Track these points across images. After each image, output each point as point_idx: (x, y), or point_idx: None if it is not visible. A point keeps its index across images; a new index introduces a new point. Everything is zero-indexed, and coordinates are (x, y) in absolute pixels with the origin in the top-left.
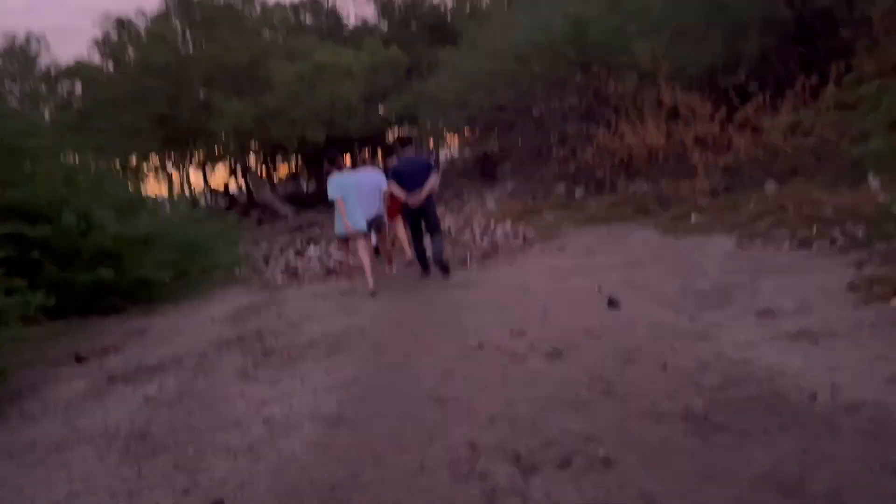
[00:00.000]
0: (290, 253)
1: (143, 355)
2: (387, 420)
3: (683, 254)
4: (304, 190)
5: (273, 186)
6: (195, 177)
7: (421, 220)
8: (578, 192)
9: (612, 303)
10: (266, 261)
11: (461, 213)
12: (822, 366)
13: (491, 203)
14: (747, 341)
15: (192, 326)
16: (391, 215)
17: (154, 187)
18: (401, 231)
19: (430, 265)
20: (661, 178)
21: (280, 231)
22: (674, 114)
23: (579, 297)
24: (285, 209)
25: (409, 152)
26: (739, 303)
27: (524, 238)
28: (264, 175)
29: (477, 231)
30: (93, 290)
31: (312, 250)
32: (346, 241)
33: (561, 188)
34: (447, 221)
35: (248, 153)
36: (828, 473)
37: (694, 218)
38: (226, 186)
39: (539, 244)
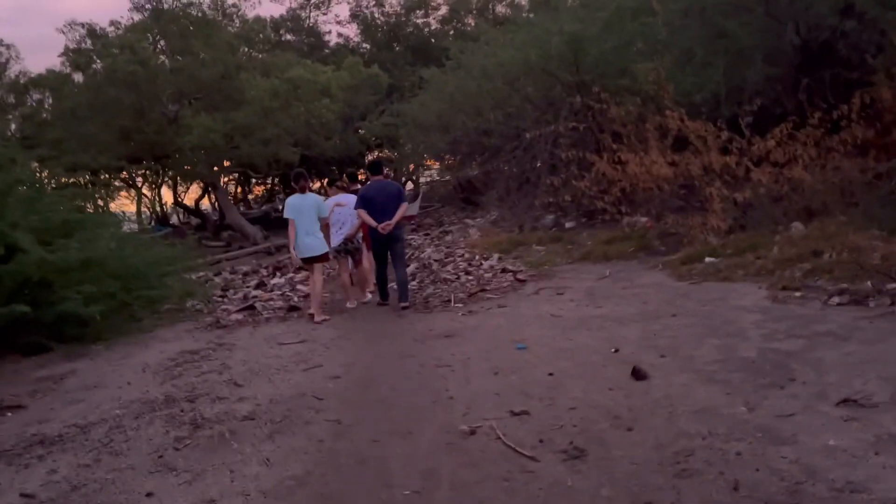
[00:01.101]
0: (252, 283)
1: (46, 417)
2: None
3: (708, 306)
4: (273, 214)
5: (248, 206)
6: (168, 195)
7: (388, 248)
8: (569, 223)
9: (637, 373)
10: (224, 292)
11: (442, 244)
12: None
13: (474, 232)
14: (842, 449)
15: (117, 377)
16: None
17: (126, 204)
18: (367, 260)
19: (389, 295)
20: (664, 211)
21: (249, 255)
22: (680, 143)
23: (592, 360)
24: (254, 231)
25: (379, 177)
26: (805, 382)
27: (515, 276)
28: (238, 194)
29: (461, 265)
30: (8, 325)
31: (277, 280)
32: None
33: (548, 219)
34: (427, 253)
35: (220, 172)
36: None
37: (708, 260)
38: (197, 205)
39: (531, 283)
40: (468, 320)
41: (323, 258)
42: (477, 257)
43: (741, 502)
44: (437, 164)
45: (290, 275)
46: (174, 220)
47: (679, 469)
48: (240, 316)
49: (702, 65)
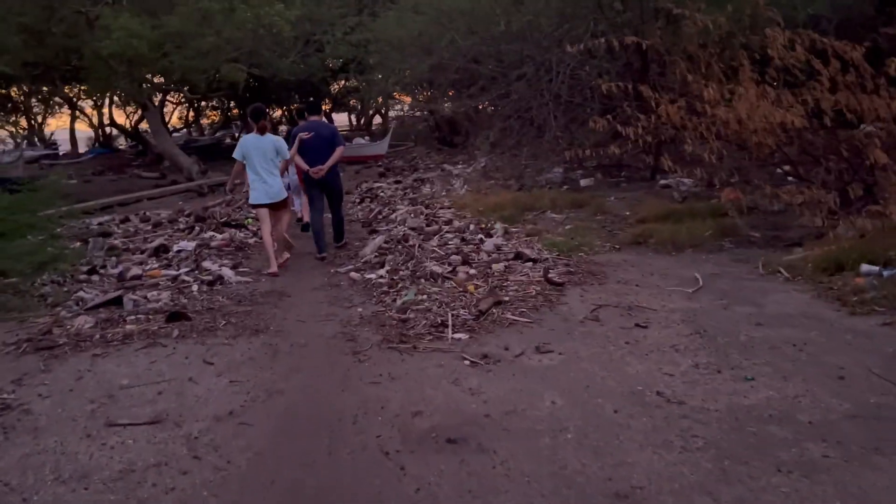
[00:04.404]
0: (154, 243)
1: None
2: None
3: None
4: (227, 140)
5: (201, 132)
6: (118, 115)
7: (323, 193)
8: (584, 180)
9: None
10: (104, 260)
11: (420, 198)
12: None
13: (459, 186)
14: None
15: None
16: None
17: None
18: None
19: (326, 250)
20: (752, 178)
21: (177, 195)
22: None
23: None
24: (189, 164)
25: (316, 117)
26: None
27: (545, 275)
28: (188, 118)
29: (451, 239)
30: None
31: (185, 243)
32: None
33: (556, 173)
34: (401, 214)
35: (148, 88)
36: None
37: (867, 269)
38: (136, 128)
39: (574, 290)
40: (486, 387)
41: (283, 204)
42: (472, 227)
43: None
44: (409, 98)
45: (210, 233)
46: (122, 143)
47: None
48: (90, 321)
49: None
